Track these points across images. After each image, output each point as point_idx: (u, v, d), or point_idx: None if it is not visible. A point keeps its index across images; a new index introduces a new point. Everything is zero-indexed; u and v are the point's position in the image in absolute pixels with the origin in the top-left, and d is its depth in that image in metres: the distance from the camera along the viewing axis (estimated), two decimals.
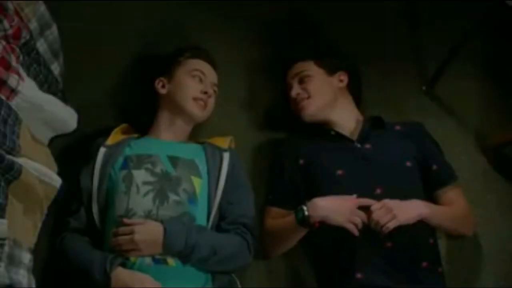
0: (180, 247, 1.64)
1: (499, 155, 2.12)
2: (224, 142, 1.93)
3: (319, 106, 1.93)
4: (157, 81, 1.95)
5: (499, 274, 1.94)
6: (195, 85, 1.90)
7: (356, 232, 1.68)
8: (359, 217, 1.69)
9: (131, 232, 1.65)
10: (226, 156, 1.87)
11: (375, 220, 1.67)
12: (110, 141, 1.86)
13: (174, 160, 1.81)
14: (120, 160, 1.81)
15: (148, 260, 1.65)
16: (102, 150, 1.83)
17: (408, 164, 1.82)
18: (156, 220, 1.68)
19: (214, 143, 1.92)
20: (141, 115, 2.04)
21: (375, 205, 1.69)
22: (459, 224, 1.86)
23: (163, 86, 1.94)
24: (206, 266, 1.69)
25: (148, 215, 1.69)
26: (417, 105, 2.20)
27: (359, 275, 1.68)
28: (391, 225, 1.66)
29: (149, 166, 1.78)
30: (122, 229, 1.67)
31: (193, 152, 1.87)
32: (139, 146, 1.87)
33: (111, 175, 1.79)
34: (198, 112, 1.89)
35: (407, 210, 1.70)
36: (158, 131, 1.92)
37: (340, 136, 1.91)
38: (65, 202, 1.81)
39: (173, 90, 1.91)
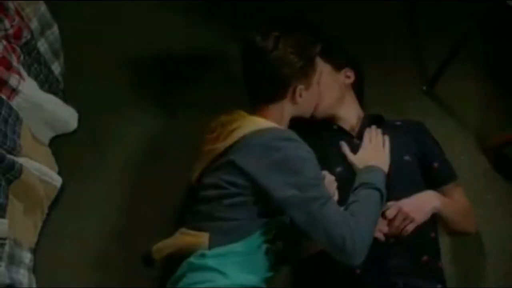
0: None
1: (499, 155, 2.12)
2: None
3: (328, 103, 1.90)
4: (298, 90, 1.69)
5: (499, 274, 1.94)
6: None
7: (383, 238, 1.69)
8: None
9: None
10: None
11: (394, 227, 1.68)
12: None
13: None
14: None
15: None
16: None
17: (407, 158, 1.81)
18: None
19: None
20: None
21: (390, 212, 1.68)
22: (464, 219, 1.85)
23: (300, 95, 1.71)
24: None
25: None
26: (417, 105, 2.20)
27: (358, 270, 1.68)
28: (410, 228, 1.67)
29: None
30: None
31: None
32: None
33: None
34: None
35: (423, 209, 1.70)
36: (281, 124, 1.75)
37: (341, 131, 1.90)
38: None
39: (306, 100, 1.75)
